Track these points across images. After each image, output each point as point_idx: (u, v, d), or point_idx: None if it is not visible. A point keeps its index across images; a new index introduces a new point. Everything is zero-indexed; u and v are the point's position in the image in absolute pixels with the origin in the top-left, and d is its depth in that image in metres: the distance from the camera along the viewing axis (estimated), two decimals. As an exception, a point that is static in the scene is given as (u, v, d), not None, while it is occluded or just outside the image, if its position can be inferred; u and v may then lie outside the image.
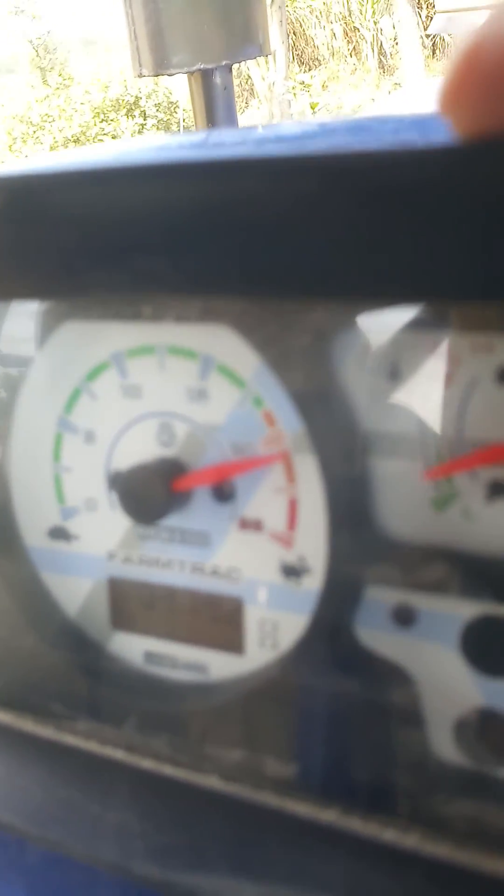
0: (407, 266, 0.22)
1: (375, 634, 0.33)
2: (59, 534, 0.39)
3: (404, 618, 0.32)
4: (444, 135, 0.20)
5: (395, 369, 0.31)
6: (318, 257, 0.23)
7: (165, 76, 1.68)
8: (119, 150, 0.33)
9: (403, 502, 0.32)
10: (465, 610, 0.31)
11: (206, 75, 1.74)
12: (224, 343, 0.33)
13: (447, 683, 0.32)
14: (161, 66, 1.62)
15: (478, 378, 0.30)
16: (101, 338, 0.36)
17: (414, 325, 0.30)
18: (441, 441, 0.31)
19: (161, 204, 0.25)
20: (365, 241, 0.22)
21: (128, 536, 0.37)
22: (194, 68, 1.67)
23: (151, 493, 0.34)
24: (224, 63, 1.74)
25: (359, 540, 0.32)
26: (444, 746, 0.32)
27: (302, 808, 0.31)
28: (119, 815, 0.32)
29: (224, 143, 0.34)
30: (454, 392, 0.30)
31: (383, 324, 0.31)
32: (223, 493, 0.35)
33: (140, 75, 1.67)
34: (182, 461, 0.35)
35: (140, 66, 1.63)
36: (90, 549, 0.38)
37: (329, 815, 0.31)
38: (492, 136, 0.18)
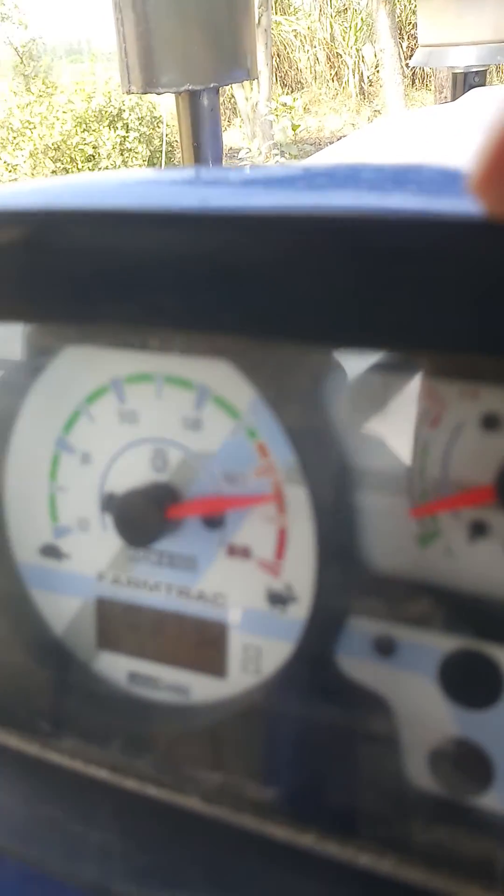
0: (398, 318, 0.24)
1: (356, 663, 0.34)
2: (50, 552, 0.40)
3: (385, 648, 0.33)
4: (409, 195, 0.20)
5: (386, 410, 0.32)
6: (315, 306, 0.25)
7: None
8: (122, 184, 0.34)
9: (389, 537, 0.33)
10: (444, 643, 0.32)
11: (193, 96, 1.77)
12: (221, 376, 0.34)
13: (424, 713, 0.33)
14: (150, 85, 1.64)
15: (463, 422, 0.31)
16: (102, 363, 0.36)
17: (404, 370, 0.32)
18: (427, 480, 0.32)
19: (170, 247, 0.26)
20: (359, 295, 0.24)
21: (118, 558, 0.38)
22: (182, 89, 1.69)
23: (146, 517, 0.35)
24: (212, 85, 1.77)
25: (345, 572, 0.34)
26: (420, 774, 0.33)
27: (280, 832, 0.32)
28: (101, 835, 0.33)
29: (217, 183, 0.35)
30: (441, 434, 0.32)
31: (375, 367, 0.32)
32: (213, 519, 0.36)
33: (129, 92, 1.68)
34: (174, 487, 0.36)
35: (129, 83, 1.65)
36: (80, 568, 0.39)
37: (307, 839, 0.32)
38: None
